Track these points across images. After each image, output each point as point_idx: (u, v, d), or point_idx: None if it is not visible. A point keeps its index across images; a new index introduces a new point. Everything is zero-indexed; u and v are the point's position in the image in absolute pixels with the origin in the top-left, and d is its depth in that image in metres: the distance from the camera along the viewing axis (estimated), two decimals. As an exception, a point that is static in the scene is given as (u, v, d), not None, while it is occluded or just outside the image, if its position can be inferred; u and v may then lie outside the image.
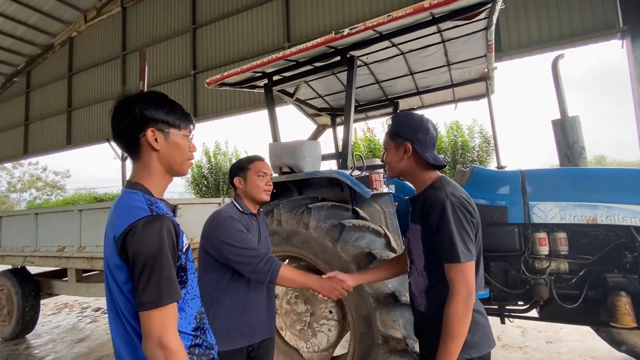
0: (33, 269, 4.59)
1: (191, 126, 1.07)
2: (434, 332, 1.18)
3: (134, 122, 0.97)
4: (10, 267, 4.56)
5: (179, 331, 0.95)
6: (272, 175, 1.79)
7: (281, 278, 1.50)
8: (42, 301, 4.58)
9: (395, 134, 1.34)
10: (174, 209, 1.06)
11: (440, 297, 1.19)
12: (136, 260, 0.88)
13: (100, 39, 12.73)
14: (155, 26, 11.41)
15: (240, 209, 1.69)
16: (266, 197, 1.75)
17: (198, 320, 1.06)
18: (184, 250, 1.00)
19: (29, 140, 14.69)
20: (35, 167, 31.11)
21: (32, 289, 4.40)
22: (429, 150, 1.30)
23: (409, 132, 1.30)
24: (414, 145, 1.29)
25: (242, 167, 1.74)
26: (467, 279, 1.13)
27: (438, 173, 1.33)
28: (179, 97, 10.73)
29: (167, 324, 0.88)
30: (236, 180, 1.74)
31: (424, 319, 1.32)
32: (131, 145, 0.99)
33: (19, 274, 4.44)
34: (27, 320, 4.37)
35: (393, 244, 2.17)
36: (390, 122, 1.39)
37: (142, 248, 0.87)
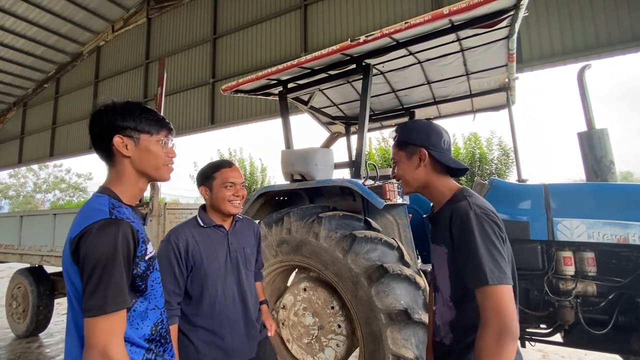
0: (50, 268, 4.68)
1: (165, 131, 1.08)
2: None
3: (103, 132, 1.00)
4: (28, 265, 4.67)
5: (130, 341, 0.91)
6: (243, 183, 1.57)
7: None
8: (56, 300, 4.65)
9: (405, 142, 1.18)
10: (144, 216, 1.07)
11: (470, 332, 1.00)
12: (86, 263, 0.84)
13: (126, 48, 13.29)
14: (177, 36, 11.82)
15: (201, 222, 1.51)
16: (233, 210, 1.51)
17: (154, 332, 1.00)
18: (146, 258, 0.97)
19: (55, 143, 15.34)
20: (59, 169, 32.56)
21: (47, 288, 4.47)
22: (447, 155, 1.15)
23: (421, 138, 1.15)
24: (429, 150, 1.13)
25: (207, 175, 1.53)
26: (500, 306, 0.89)
27: (457, 184, 1.18)
28: (198, 105, 11.02)
29: (113, 333, 0.84)
30: (202, 190, 1.55)
31: (450, 354, 1.12)
32: (105, 153, 1.03)
33: (35, 273, 4.54)
34: (41, 318, 4.44)
35: (406, 257, 2.08)
36: (394, 133, 1.24)
37: (93, 251, 0.84)
